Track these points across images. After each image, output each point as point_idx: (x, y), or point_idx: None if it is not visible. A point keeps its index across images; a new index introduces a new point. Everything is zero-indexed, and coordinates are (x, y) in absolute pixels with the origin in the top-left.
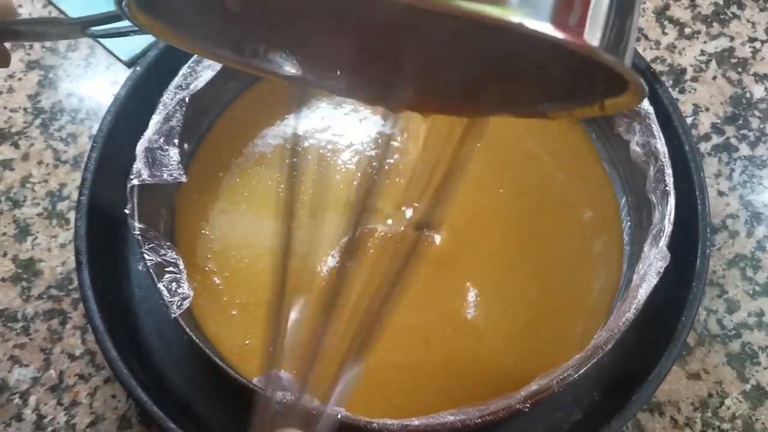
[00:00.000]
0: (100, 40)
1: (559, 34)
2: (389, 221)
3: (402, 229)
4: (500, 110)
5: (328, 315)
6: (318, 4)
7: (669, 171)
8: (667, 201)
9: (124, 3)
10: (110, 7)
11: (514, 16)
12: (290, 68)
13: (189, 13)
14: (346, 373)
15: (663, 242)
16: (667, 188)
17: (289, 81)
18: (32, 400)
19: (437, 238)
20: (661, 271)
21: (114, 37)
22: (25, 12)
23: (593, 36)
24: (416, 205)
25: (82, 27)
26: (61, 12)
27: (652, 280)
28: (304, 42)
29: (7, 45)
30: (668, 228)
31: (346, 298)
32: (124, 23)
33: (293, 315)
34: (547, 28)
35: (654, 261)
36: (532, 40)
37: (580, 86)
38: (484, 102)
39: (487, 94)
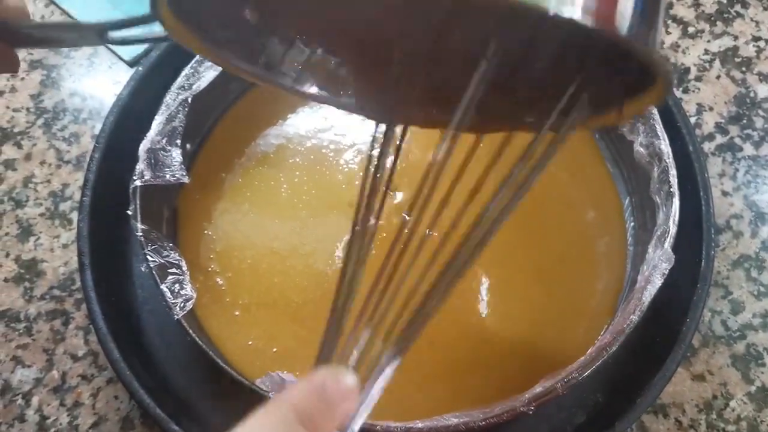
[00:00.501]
0: None
1: (590, 22)
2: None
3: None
4: (511, 127)
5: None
6: (326, 16)
7: (673, 172)
8: (672, 202)
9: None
10: (114, 8)
11: (546, 3)
12: (303, 83)
13: (210, 19)
14: (378, 373)
15: (668, 244)
16: (671, 189)
17: (302, 95)
18: (35, 400)
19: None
20: (666, 273)
21: (131, 44)
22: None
23: (623, 24)
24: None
25: (98, 32)
26: (64, 12)
27: (656, 282)
28: (319, 58)
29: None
30: (673, 229)
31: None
32: (140, 31)
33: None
34: (577, 15)
35: (659, 263)
36: (558, 33)
37: (597, 96)
38: (493, 119)
39: (498, 112)
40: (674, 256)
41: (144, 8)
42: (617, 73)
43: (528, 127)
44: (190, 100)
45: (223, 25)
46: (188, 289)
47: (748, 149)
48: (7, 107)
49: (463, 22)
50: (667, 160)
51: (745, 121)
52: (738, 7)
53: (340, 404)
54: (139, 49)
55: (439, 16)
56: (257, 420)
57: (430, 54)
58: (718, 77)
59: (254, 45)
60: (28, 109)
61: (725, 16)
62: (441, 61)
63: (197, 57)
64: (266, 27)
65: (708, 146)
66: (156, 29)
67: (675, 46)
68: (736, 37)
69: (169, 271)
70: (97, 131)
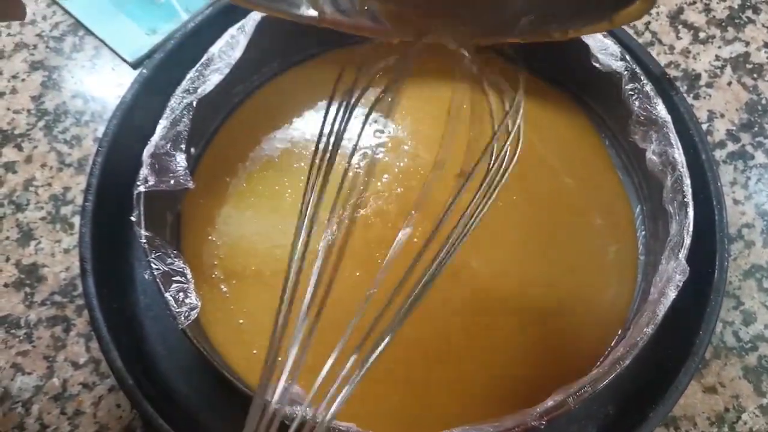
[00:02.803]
0: (106, 40)
1: None
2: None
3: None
4: (508, 34)
5: (332, 324)
6: None
7: (687, 182)
8: (686, 212)
9: None
10: (116, 8)
11: None
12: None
13: None
14: (350, 381)
15: (682, 255)
16: (685, 199)
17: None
18: (35, 409)
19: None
20: (680, 285)
21: None
22: (28, 11)
23: None
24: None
25: None
26: (65, 10)
27: (670, 295)
28: None
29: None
30: (687, 241)
31: (350, 307)
32: None
33: (299, 324)
34: None
35: (673, 275)
36: None
37: (588, 5)
38: (489, 26)
39: (494, 17)
40: (689, 269)
41: (149, 12)
42: None
43: (519, 35)
44: (194, 104)
45: None
46: (193, 298)
47: (760, 157)
48: (8, 109)
49: None
50: (681, 170)
51: (756, 129)
52: (749, 13)
53: None
54: (142, 50)
55: None
56: None
57: None
58: (729, 84)
59: None
60: (28, 111)
61: (736, 21)
62: None
63: (202, 60)
64: None
65: (719, 154)
66: None
67: (686, 52)
68: (747, 43)
69: (174, 279)
70: (99, 134)
